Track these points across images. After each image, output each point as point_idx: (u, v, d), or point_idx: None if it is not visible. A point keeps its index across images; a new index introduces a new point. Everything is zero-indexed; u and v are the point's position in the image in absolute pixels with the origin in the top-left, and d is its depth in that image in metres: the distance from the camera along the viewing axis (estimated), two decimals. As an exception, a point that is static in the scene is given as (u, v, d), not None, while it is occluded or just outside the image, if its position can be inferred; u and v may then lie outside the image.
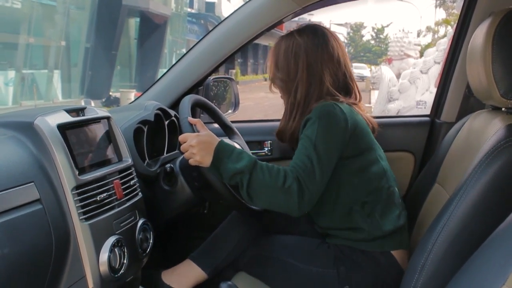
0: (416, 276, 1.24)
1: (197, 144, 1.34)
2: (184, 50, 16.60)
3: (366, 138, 1.49)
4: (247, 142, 1.80)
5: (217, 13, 21.36)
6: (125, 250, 1.23)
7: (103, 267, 1.16)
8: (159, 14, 15.22)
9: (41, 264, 1.04)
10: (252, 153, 1.90)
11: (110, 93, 13.45)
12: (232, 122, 1.80)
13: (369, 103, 12.07)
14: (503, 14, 1.27)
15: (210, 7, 22.58)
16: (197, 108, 1.84)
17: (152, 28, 15.05)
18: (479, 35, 1.33)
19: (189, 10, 19.79)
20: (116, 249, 1.19)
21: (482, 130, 1.35)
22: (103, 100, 12.83)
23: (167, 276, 1.58)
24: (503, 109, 1.40)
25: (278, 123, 1.61)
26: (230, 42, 1.83)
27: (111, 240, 1.19)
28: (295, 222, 1.69)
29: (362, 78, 19.94)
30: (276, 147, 2.01)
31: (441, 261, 1.22)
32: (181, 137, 1.39)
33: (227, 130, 1.76)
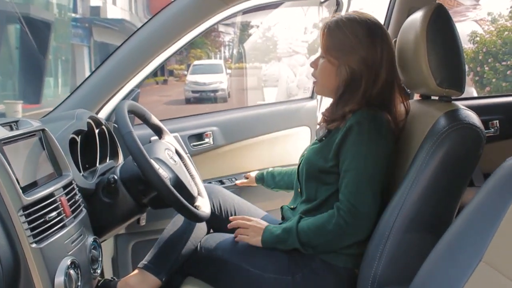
0: (376, 263, 1.28)
1: (251, 227, 1.47)
2: (70, 56, 15.80)
3: None
4: (189, 136, 1.77)
5: (102, 16, 20.65)
6: (79, 272, 1.14)
7: None
8: (41, 19, 14.36)
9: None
10: (194, 145, 1.99)
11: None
12: (171, 119, 1.75)
13: (263, 100, 12.27)
14: (433, 9, 1.34)
15: (95, 10, 21.77)
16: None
17: (34, 34, 14.14)
18: (409, 29, 1.39)
19: (73, 15, 18.90)
20: (71, 271, 1.10)
21: (419, 118, 1.42)
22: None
23: None
24: (433, 97, 1.48)
25: (214, 116, 1.54)
26: (156, 42, 1.75)
27: (65, 262, 1.09)
28: None
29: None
30: (218, 135, 2.05)
31: (399, 246, 1.26)
32: (238, 222, 1.49)
33: (157, 131, 1.70)
